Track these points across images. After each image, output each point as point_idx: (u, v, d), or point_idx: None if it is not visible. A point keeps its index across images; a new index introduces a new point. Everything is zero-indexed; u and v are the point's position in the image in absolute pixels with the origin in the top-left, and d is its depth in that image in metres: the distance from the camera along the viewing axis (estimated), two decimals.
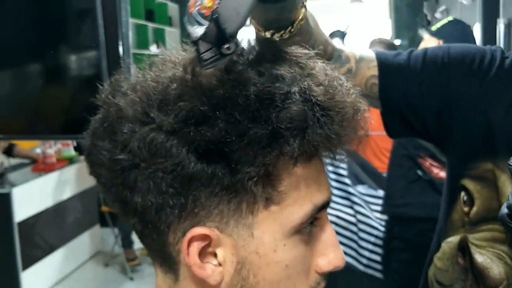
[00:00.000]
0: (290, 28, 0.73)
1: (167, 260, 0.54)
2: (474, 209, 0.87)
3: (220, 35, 0.56)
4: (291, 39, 0.74)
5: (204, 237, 0.50)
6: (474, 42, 2.05)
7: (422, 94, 0.88)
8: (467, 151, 0.87)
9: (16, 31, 1.73)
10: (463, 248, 0.90)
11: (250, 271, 0.51)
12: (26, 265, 3.40)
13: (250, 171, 0.47)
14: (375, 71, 0.90)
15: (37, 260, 3.58)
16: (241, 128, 0.46)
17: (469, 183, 0.88)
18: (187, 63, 0.51)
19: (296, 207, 0.50)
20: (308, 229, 0.53)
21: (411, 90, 0.89)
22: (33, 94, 1.79)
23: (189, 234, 0.49)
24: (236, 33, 0.60)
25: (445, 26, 2.09)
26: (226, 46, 0.56)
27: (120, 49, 1.67)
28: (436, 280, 0.95)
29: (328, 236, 0.55)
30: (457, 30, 2.07)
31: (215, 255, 0.51)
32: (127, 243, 4.02)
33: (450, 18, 2.17)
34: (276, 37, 0.74)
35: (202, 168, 0.47)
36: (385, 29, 5.71)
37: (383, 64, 0.90)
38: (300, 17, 0.74)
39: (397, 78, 0.90)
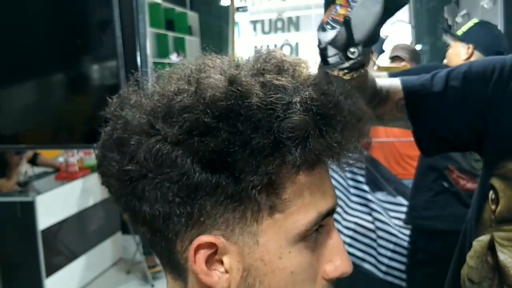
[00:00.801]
0: (360, 70, 0.80)
1: (176, 268, 0.55)
2: (499, 208, 0.89)
3: (348, 39, 0.70)
4: (355, 79, 0.81)
5: (210, 245, 0.51)
6: (505, 43, 1.93)
7: (450, 110, 0.92)
8: (497, 150, 0.89)
9: (39, 42, 1.77)
10: (492, 247, 0.91)
11: (256, 278, 0.52)
12: (49, 272, 3.44)
13: (253, 179, 0.47)
14: (402, 94, 0.95)
15: (60, 267, 3.62)
16: (243, 138, 0.47)
17: (496, 182, 0.89)
18: (191, 75, 0.52)
19: (300, 214, 0.51)
20: (314, 236, 0.53)
21: (438, 108, 0.93)
22: (56, 105, 1.83)
23: (196, 242, 0.50)
24: (362, 40, 0.74)
25: (472, 29, 1.97)
26: (352, 50, 0.69)
27: (138, 59, 1.70)
28: (468, 278, 0.97)
29: (334, 242, 0.55)
30: (487, 32, 1.96)
31: (221, 262, 0.52)
32: (148, 250, 4.04)
33: (475, 20, 2.03)
34: (346, 76, 0.80)
35: (206, 178, 0.48)
36: (405, 35, 5.66)
37: (408, 87, 0.95)
38: (369, 62, 0.83)
39: (422, 98, 0.94)
